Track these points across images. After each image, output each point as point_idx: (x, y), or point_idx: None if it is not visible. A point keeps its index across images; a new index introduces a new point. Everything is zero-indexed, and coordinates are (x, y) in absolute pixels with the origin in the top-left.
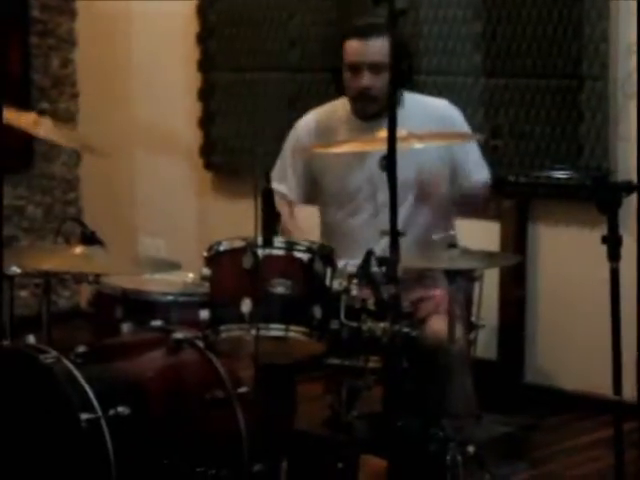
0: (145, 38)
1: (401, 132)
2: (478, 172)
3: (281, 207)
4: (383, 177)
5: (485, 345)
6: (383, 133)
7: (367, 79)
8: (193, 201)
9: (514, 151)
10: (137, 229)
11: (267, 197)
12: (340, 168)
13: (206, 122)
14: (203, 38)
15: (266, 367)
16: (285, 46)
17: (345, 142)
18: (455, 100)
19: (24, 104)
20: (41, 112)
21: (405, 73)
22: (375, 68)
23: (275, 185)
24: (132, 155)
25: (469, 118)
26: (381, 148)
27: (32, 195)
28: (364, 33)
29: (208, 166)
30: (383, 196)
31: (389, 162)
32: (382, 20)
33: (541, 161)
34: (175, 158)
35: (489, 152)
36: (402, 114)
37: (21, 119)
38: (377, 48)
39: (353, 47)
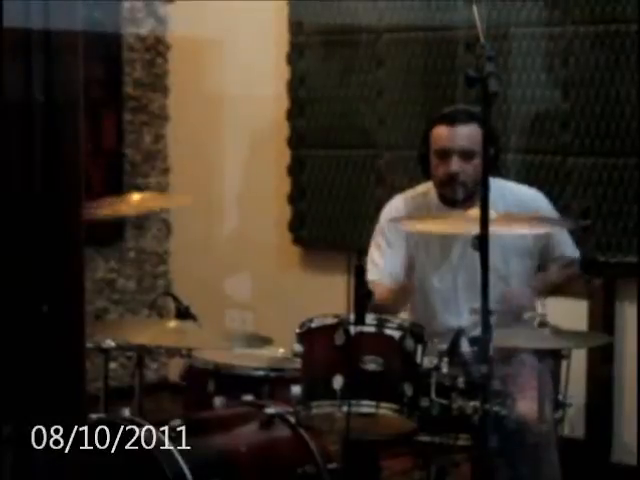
0: (235, 115)
1: (491, 214)
2: (567, 248)
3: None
4: (472, 258)
5: (573, 424)
6: (473, 213)
7: (456, 164)
8: (281, 275)
9: (602, 231)
10: (225, 302)
11: (358, 273)
12: (436, 247)
13: (295, 197)
14: (293, 115)
15: (355, 443)
16: (374, 124)
17: (437, 219)
18: (543, 179)
19: (117, 179)
20: (137, 188)
21: (493, 158)
22: (464, 154)
23: (369, 276)
24: (221, 228)
25: (557, 197)
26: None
27: (123, 268)
28: (453, 119)
29: (297, 241)
30: (465, 277)
31: (481, 242)
32: (470, 108)
33: (629, 240)
34: (264, 232)
35: (579, 233)
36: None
37: (122, 203)
38: (466, 134)
39: (442, 133)
